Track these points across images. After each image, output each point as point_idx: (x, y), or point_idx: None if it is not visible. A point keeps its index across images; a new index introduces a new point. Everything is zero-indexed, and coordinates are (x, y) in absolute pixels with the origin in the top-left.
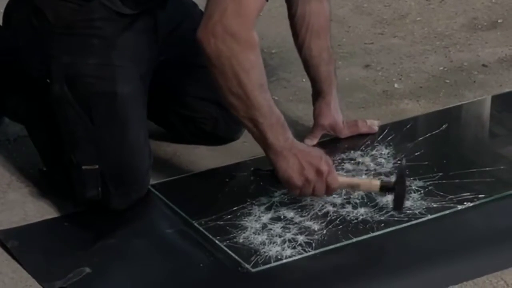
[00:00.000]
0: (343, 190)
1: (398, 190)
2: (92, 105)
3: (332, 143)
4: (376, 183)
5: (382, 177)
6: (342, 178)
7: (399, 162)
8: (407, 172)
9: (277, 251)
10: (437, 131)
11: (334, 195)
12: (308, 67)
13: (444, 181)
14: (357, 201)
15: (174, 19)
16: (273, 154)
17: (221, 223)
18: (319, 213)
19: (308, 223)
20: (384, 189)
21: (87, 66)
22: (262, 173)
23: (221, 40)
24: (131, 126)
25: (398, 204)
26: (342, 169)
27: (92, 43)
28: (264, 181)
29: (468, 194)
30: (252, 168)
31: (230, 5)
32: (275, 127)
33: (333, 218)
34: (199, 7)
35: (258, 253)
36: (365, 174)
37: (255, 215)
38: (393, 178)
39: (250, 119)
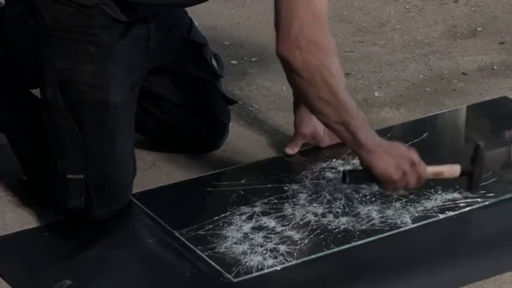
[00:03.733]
0: (325, 200)
1: (476, 173)
2: (83, 113)
3: (313, 152)
4: (457, 169)
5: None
6: (429, 168)
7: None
8: (484, 155)
9: (258, 261)
10: (417, 139)
11: (315, 204)
12: None
13: (425, 190)
14: (339, 210)
15: (164, 26)
16: (366, 153)
17: (202, 232)
18: (301, 223)
19: (289, 233)
20: (465, 173)
21: (82, 73)
22: (357, 174)
23: (307, 51)
24: (120, 137)
25: (475, 186)
26: (324, 178)
27: (88, 50)
28: (358, 181)
29: (450, 203)
30: (346, 170)
31: (306, 15)
32: (364, 127)
33: (314, 227)
34: (188, 14)
35: (239, 263)
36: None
37: (237, 225)
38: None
39: (341, 123)
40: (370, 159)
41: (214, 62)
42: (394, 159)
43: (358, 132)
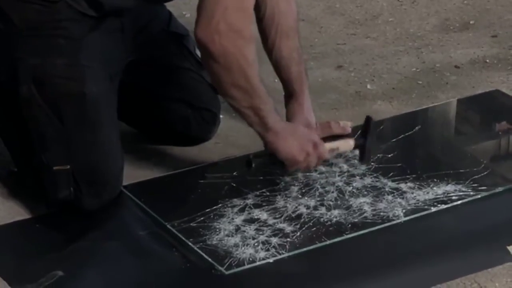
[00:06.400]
0: (317, 193)
1: (367, 145)
2: (61, 106)
3: None
4: (352, 142)
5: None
6: (327, 145)
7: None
8: (374, 127)
9: (250, 254)
10: (410, 132)
11: (306, 198)
12: (279, 68)
13: (417, 183)
14: (331, 203)
15: (141, 19)
16: (272, 136)
17: (194, 225)
18: (293, 215)
19: (281, 225)
20: (357, 146)
21: (55, 66)
22: (262, 158)
23: (226, 37)
24: (102, 126)
25: (366, 158)
26: (316, 170)
27: (59, 43)
28: (264, 165)
29: (442, 196)
30: (251, 156)
31: (230, 2)
32: (272, 112)
33: (306, 220)
34: (166, 7)
35: (231, 255)
36: (339, 175)
37: (228, 217)
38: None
39: (251, 107)
40: (276, 141)
41: (197, 52)
42: (298, 141)
43: (267, 117)
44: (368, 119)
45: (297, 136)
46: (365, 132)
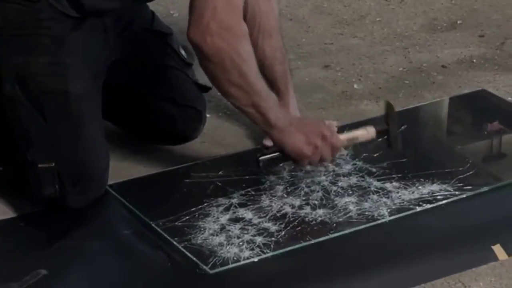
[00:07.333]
0: (302, 192)
1: (392, 130)
2: (45, 104)
3: None
4: (373, 130)
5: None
6: (342, 136)
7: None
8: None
9: (235, 253)
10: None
11: (291, 197)
12: (263, 68)
13: (402, 183)
14: (316, 202)
15: (123, 19)
16: (278, 133)
17: (179, 224)
18: (278, 214)
19: (266, 225)
20: (381, 133)
21: (38, 65)
22: (270, 156)
23: (218, 36)
24: (85, 124)
25: (394, 143)
26: (301, 169)
27: (42, 42)
28: (273, 163)
29: (427, 195)
30: (258, 155)
31: (219, 1)
32: (274, 108)
33: (291, 219)
34: (148, 7)
35: (216, 254)
36: (324, 175)
37: (214, 216)
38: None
39: (252, 105)
40: (282, 138)
41: (182, 51)
42: (305, 135)
43: (269, 114)
44: (388, 104)
45: (303, 130)
46: (387, 118)
